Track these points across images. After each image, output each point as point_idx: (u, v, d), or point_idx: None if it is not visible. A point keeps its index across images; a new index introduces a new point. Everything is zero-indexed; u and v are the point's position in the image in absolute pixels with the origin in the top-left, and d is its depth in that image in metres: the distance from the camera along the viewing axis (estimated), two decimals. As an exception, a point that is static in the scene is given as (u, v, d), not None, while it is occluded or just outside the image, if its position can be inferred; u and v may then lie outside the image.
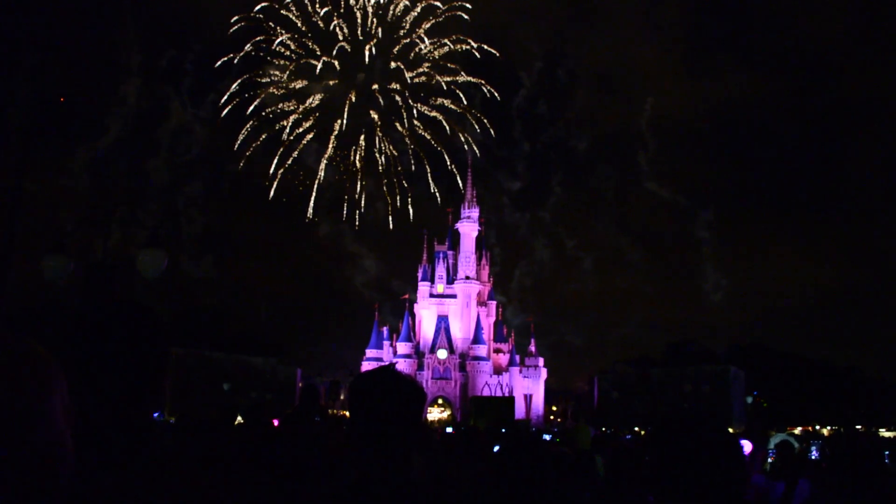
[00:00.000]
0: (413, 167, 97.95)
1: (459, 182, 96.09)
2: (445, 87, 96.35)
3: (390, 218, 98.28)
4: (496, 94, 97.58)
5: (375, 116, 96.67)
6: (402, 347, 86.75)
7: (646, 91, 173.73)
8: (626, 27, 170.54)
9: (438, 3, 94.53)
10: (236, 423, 7.54)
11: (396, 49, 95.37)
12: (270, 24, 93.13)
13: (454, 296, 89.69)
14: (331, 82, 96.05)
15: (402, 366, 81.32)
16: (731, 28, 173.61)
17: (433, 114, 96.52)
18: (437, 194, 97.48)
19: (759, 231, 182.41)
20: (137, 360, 1.87)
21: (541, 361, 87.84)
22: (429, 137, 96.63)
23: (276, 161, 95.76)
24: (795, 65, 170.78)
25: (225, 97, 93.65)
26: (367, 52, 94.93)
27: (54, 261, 10.72)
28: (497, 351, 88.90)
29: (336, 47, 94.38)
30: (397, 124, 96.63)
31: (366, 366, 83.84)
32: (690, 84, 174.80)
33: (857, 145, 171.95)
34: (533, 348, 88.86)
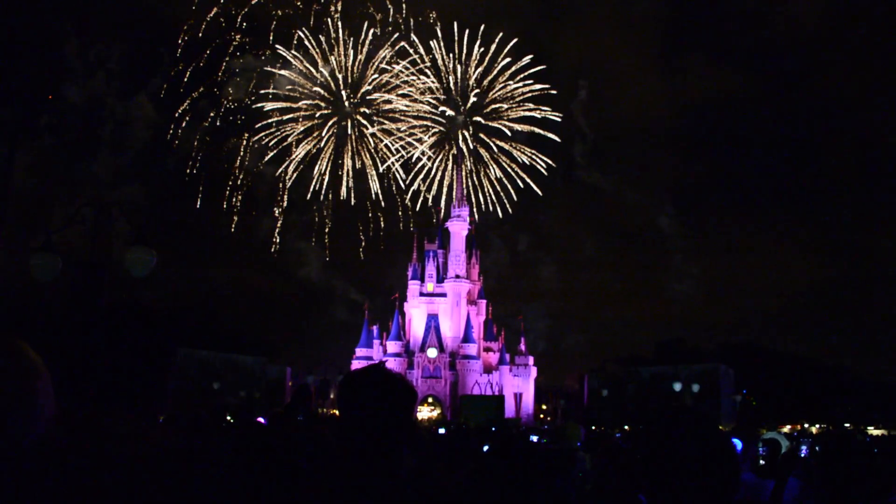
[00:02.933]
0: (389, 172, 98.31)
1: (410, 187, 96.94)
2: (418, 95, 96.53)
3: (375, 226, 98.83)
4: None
5: (347, 123, 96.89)
6: (392, 346, 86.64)
7: (621, 91, 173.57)
8: (599, 26, 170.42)
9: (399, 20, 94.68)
10: (225, 422, 7.50)
11: (361, 55, 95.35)
12: (228, 26, 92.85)
13: (444, 294, 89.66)
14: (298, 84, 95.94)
15: (392, 364, 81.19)
16: (706, 25, 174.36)
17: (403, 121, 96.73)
18: (397, 194, 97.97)
19: (744, 229, 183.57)
20: (142, 362, 1.85)
21: (531, 360, 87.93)
22: (385, 139, 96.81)
23: (239, 175, 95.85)
24: (773, 60, 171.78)
25: (185, 105, 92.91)
26: (333, 59, 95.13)
27: (42, 259, 10.63)
28: (487, 349, 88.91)
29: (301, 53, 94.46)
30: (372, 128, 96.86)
31: (356, 364, 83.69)
32: (666, 81, 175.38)
33: (838, 142, 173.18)
34: (523, 347, 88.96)
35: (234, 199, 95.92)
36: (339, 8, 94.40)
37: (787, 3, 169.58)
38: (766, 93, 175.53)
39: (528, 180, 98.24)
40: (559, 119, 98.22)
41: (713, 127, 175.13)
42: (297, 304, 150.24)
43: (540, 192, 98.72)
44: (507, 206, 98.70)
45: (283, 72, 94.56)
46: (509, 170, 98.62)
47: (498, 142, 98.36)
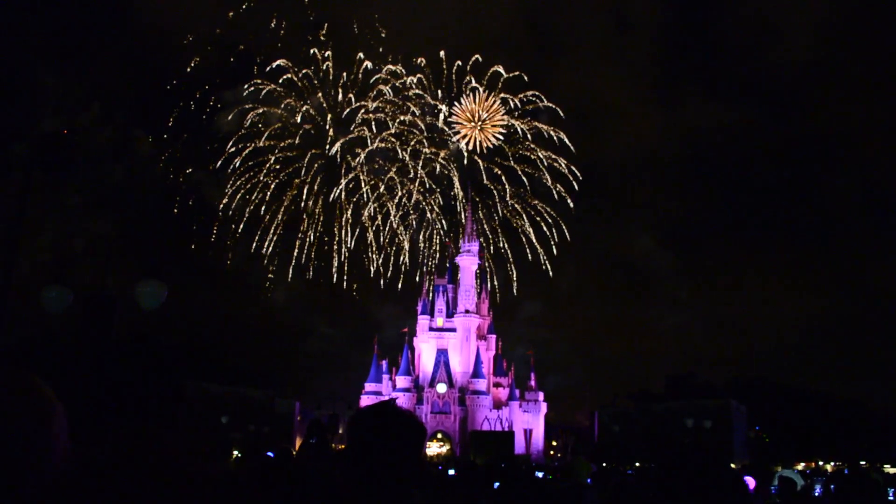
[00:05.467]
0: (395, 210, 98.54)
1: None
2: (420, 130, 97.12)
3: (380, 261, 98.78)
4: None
5: (341, 169, 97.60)
6: (402, 381, 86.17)
7: (616, 124, 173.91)
8: (593, 60, 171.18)
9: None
10: (233, 457, 7.45)
11: (351, 94, 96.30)
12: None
13: (454, 329, 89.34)
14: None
15: (402, 399, 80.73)
16: (701, 59, 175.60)
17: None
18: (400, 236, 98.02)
19: (744, 262, 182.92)
20: (148, 395, 1.85)
21: (541, 396, 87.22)
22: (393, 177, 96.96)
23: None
24: (768, 93, 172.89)
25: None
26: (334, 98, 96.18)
27: (53, 292, 10.69)
28: (497, 385, 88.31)
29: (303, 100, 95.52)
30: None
31: (365, 399, 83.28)
32: (661, 114, 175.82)
33: (838, 172, 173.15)
34: (533, 382, 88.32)
35: (226, 237, 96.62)
36: (330, 51, 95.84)
37: (782, 37, 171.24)
38: (761, 125, 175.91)
39: (536, 244, 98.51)
40: (575, 182, 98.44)
41: (710, 159, 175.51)
42: (299, 338, 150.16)
43: (550, 272, 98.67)
44: (514, 284, 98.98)
45: (272, 109, 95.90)
46: (513, 223, 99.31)
47: (498, 187, 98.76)
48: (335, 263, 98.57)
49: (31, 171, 9.97)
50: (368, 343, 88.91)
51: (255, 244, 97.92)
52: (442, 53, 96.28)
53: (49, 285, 10.68)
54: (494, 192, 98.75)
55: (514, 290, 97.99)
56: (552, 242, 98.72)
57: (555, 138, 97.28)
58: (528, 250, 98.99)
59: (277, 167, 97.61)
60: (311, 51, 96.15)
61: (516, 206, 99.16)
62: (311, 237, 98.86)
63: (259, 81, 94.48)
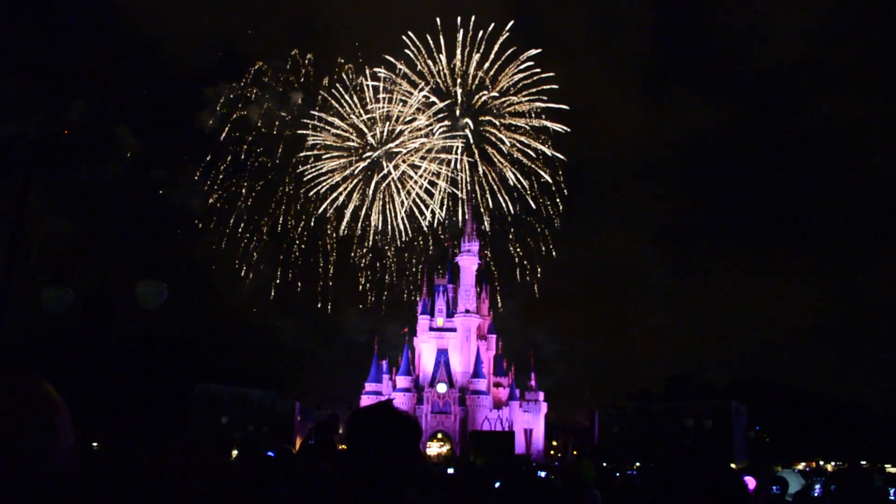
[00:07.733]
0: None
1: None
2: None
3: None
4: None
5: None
6: (402, 381, 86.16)
7: (605, 123, 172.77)
8: (581, 59, 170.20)
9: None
10: (233, 456, 7.45)
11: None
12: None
13: (454, 329, 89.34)
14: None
15: (402, 399, 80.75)
16: (688, 59, 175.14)
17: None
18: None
19: (736, 263, 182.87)
20: (161, 396, 1.85)
21: (541, 396, 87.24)
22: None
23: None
24: (756, 94, 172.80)
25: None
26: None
27: (54, 291, 10.70)
28: (497, 385, 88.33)
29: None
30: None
31: (365, 399, 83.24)
32: (649, 115, 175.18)
33: (829, 171, 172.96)
34: (533, 383, 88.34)
35: (211, 241, 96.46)
36: (311, 55, 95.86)
37: (770, 37, 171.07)
38: (752, 124, 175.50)
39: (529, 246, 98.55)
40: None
41: (699, 160, 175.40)
42: (267, 334, 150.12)
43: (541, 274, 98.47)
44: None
45: (253, 112, 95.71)
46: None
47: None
48: (320, 282, 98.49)
49: (31, 171, 9.97)
50: (333, 340, 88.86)
51: (240, 249, 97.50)
52: (424, 57, 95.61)
53: (49, 285, 10.69)
54: (487, 195, 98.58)
55: (499, 298, 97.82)
56: (544, 248, 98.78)
57: (546, 151, 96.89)
58: (519, 257, 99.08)
59: (252, 172, 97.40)
60: (294, 51, 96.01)
61: (504, 213, 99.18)
62: (296, 251, 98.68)
63: (238, 85, 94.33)
